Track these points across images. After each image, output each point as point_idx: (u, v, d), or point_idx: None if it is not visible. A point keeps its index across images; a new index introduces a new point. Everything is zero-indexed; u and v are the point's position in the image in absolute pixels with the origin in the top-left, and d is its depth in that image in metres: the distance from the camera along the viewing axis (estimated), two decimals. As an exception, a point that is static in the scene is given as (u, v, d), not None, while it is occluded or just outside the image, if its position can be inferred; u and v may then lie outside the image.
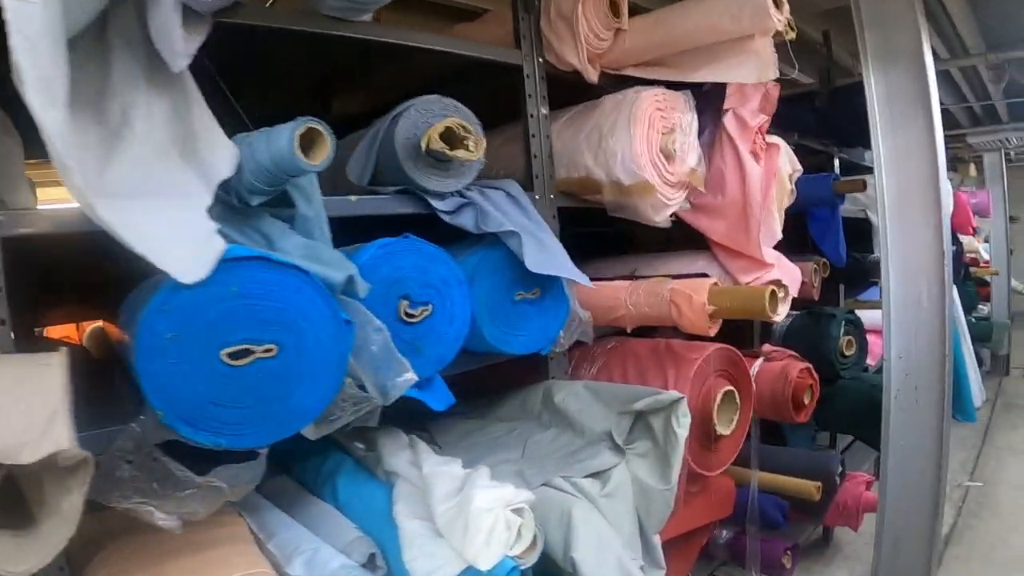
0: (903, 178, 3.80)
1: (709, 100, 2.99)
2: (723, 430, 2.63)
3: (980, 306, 10.19)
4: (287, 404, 1.72)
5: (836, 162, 5.18)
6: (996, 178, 10.69)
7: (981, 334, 9.62)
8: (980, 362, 9.47)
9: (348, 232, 2.10)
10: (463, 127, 2.25)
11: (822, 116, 4.58)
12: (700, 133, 2.93)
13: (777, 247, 3.81)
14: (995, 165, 10.68)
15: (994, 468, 6.89)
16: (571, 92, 2.96)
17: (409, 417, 2.42)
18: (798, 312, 4.14)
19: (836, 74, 5.12)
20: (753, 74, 2.71)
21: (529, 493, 1.92)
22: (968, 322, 9.02)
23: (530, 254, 2.32)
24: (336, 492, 2.27)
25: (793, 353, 3.37)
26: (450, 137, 2.23)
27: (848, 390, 4.18)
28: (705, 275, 3.15)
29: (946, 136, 9.90)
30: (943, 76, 7.00)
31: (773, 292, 2.39)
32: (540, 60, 2.84)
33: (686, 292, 2.53)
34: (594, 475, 2.25)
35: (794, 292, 3.26)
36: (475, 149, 2.26)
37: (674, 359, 2.67)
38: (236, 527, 1.98)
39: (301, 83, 3.51)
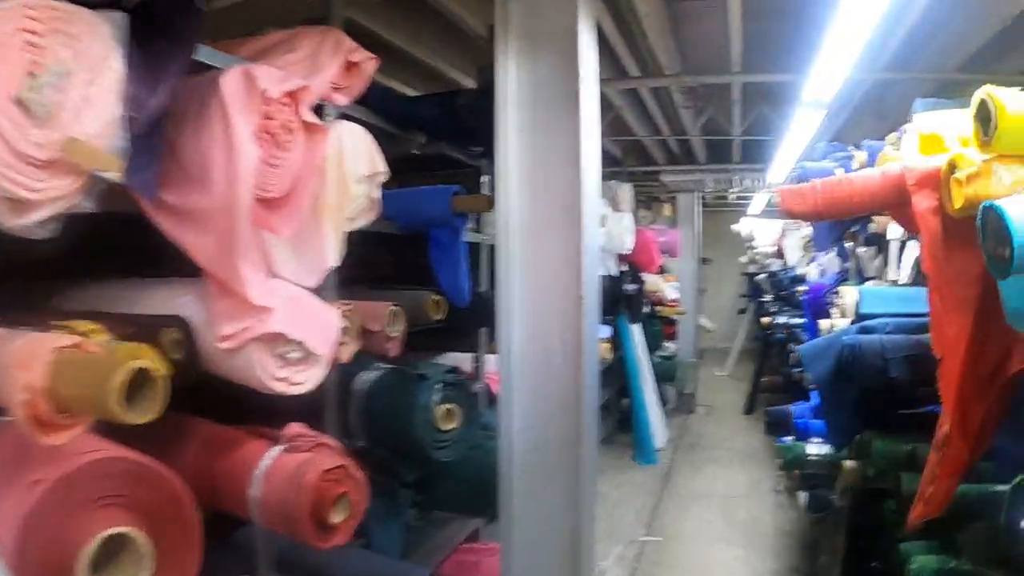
0: (537, 198, 2.86)
1: (171, 36, 1.77)
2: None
3: (666, 344, 9.82)
4: None
5: (487, 179, 4.16)
6: (689, 219, 10.44)
7: (665, 373, 9.24)
8: (664, 401, 9.06)
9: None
10: None
11: (465, 119, 3.53)
12: (153, 88, 1.71)
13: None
14: (689, 207, 10.44)
15: (674, 518, 6.30)
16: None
17: None
18: (387, 367, 3.00)
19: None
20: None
21: None
22: (652, 361, 8.56)
23: None
24: None
25: (327, 441, 2.19)
26: None
27: (460, 467, 3.11)
28: (178, 321, 1.94)
29: (641, 173, 9.49)
30: (632, 97, 6.30)
31: (144, 371, 1.21)
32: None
33: (12, 363, 1.28)
34: None
35: (322, 350, 2.12)
36: None
37: (8, 478, 1.42)
38: None
39: None
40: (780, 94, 5.83)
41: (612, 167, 8.80)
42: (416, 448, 2.74)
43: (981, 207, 1.60)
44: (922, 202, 1.97)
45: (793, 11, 4.41)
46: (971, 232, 1.91)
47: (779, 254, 10.04)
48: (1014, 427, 2.08)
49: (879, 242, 4.58)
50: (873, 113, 5.94)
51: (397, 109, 3.31)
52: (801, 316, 7.12)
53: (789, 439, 5.13)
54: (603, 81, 5.29)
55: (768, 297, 10.38)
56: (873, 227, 4.22)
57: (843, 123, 5.90)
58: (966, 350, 1.90)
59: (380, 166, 2.62)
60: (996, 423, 2.00)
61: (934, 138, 2.51)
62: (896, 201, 2.12)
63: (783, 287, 8.89)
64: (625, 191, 7.59)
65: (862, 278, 4.95)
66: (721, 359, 12.81)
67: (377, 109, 3.07)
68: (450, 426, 2.77)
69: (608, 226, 6.16)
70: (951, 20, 4.16)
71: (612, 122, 6.97)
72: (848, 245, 5.39)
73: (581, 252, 2.73)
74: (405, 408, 2.69)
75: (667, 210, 11.21)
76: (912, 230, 2.32)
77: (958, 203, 1.78)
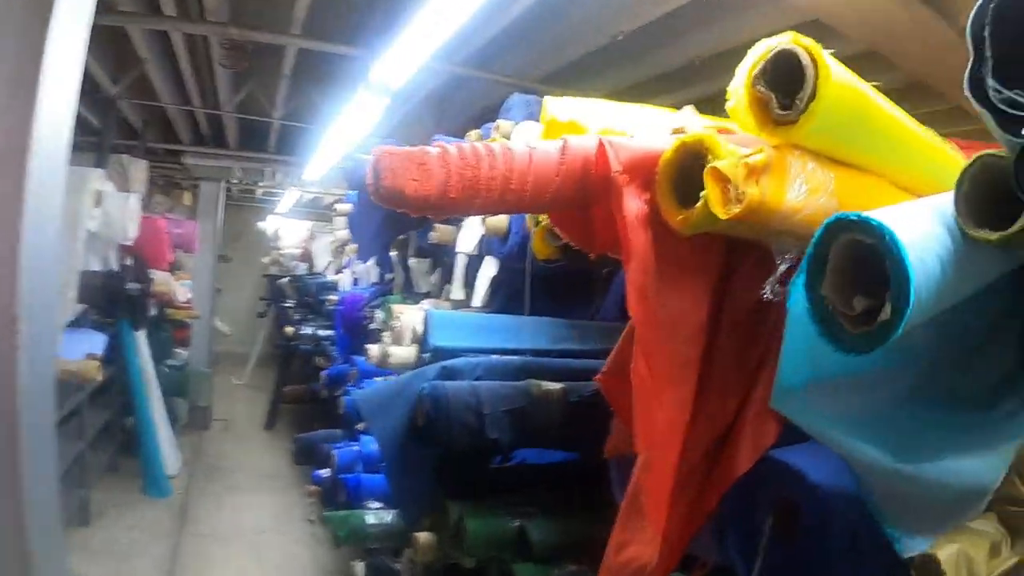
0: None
1: None
2: None
3: (177, 350, 8.47)
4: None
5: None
6: (210, 211, 9.07)
7: (176, 386, 7.91)
8: (175, 418, 7.70)
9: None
10: None
11: None
12: None
13: None
14: (212, 197, 9.07)
15: (199, 565, 5.13)
16: None
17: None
18: None
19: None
20: None
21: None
22: (161, 372, 7.21)
23: None
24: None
25: None
26: None
27: None
28: None
29: (162, 151, 8.06)
30: (162, 47, 5.00)
31: None
32: None
33: None
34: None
35: None
36: None
37: None
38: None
39: None
40: (336, 76, 5.01)
41: (128, 139, 7.29)
42: None
43: (832, 221, 0.90)
44: (632, 203, 1.22)
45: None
46: (703, 257, 1.23)
47: (306, 257, 9.23)
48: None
49: (437, 254, 3.97)
50: (430, 113, 5.39)
51: None
52: (330, 327, 6.37)
53: (324, 472, 4.31)
54: (128, 15, 4.05)
55: (291, 303, 9.51)
56: (434, 236, 3.57)
57: (398, 121, 5.24)
58: (683, 445, 1.20)
59: None
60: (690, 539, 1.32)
61: (572, 126, 1.81)
62: (576, 197, 1.31)
63: (309, 293, 8.03)
64: (139, 169, 6.23)
65: (411, 294, 4.30)
66: (238, 365, 11.63)
67: None
68: None
69: (106, 207, 4.75)
70: (544, 31, 3.77)
71: (135, 83, 5.61)
72: (393, 255, 4.72)
73: (20, 242, 1.56)
74: None
75: (187, 199, 9.82)
76: (596, 248, 1.49)
77: (723, 212, 1.07)
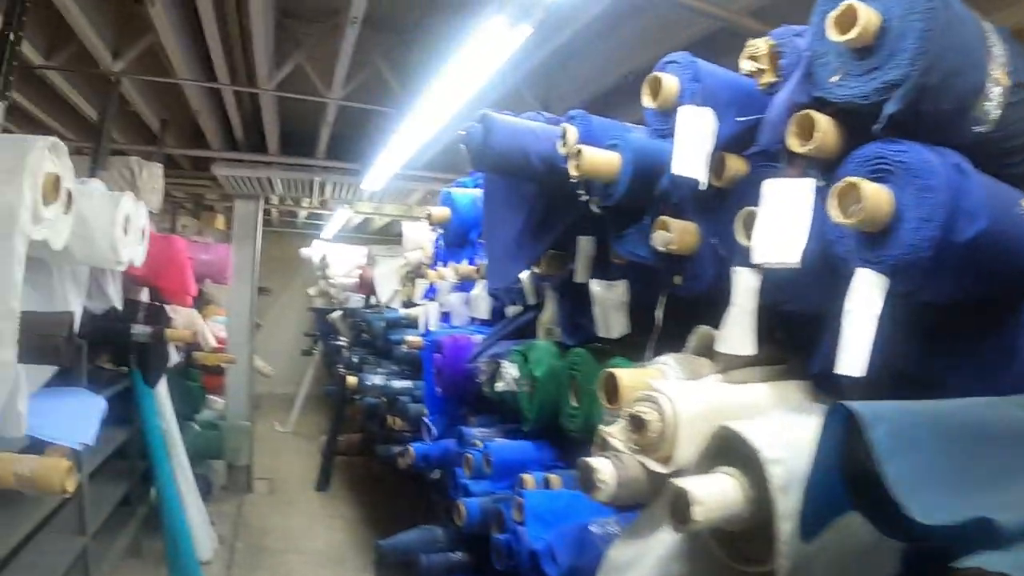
0: None
1: None
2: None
3: (211, 397, 6.75)
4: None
5: None
6: (248, 234, 7.25)
7: (209, 447, 6.14)
8: (208, 485, 5.95)
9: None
10: None
11: None
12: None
13: None
14: (249, 216, 7.26)
15: None
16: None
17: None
18: None
19: None
20: None
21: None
22: (189, 431, 5.47)
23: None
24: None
25: None
26: None
27: None
28: None
29: (189, 163, 6.15)
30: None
31: None
32: None
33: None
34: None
35: None
36: None
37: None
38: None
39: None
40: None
41: (144, 144, 5.64)
42: None
43: None
44: None
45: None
46: None
47: (365, 287, 7.43)
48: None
49: (643, 273, 2.12)
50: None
51: None
52: (407, 377, 4.56)
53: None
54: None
55: (344, 340, 7.74)
56: (665, 238, 1.82)
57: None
58: None
59: None
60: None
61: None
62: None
63: (371, 331, 6.06)
64: (153, 174, 4.51)
65: (575, 336, 2.50)
66: (282, 410, 9.87)
67: None
68: None
69: (80, 210, 2.76)
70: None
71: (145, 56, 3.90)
72: (527, 277, 2.90)
73: None
74: None
75: (220, 222, 8.10)
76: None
77: None
